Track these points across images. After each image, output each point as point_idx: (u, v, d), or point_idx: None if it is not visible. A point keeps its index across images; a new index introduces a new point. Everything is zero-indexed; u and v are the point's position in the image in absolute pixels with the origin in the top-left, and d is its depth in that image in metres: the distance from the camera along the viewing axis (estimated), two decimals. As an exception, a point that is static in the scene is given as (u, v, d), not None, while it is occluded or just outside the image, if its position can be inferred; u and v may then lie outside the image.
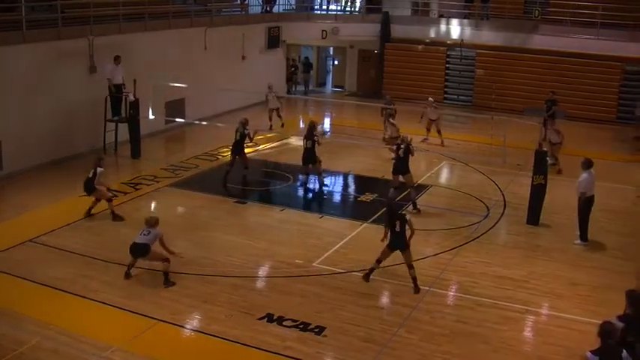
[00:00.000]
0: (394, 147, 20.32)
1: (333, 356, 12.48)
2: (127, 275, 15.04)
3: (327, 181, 22.52)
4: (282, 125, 29.48)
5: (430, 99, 28.06)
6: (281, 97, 30.22)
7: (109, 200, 18.62)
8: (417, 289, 14.91)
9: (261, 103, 30.95)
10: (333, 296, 14.60)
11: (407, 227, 14.93)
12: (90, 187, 18.33)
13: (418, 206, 19.96)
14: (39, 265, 15.42)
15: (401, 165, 19.97)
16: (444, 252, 17.15)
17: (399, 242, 14.88)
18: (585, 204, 17.84)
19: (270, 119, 29.11)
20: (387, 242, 15.04)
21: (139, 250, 14.75)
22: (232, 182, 21.86)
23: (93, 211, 18.61)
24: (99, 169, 18.30)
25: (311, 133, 21.39)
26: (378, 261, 15.10)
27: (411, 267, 14.95)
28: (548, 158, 20.32)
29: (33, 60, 21.99)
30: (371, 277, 15.30)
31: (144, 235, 14.75)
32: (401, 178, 20.14)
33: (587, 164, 17.97)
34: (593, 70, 33.75)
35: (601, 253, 17.55)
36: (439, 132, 27.44)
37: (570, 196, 19.13)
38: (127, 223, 18.25)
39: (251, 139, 22.55)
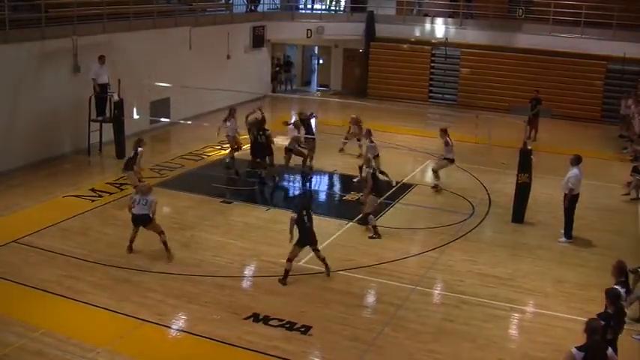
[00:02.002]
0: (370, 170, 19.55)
1: (319, 355, 12.50)
2: (130, 249, 16.22)
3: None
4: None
5: (353, 116, 25.68)
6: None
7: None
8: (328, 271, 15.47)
9: (246, 102, 31.01)
10: (319, 295, 14.63)
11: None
12: (129, 166, 19.62)
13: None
14: (24, 267, 15.36)
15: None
16: (430, 250, 17.19)
17: (309, 237, 15.21)
18: (572, 201, 17.91)
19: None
20: (294, 240, 15.19)
21: (141, 220, 15.93)
22: (218, 182, 21.86)
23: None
24: (139, 149, 19.37)
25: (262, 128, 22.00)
26: (289, 260, 15.17)
27: (318, 250, 15.44)
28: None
29: (16, 60, 21.86)
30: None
31: (142, 205, 15.80)
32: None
33: (577, 160, 18.03)
34: (577, 68, 33.95)
35: (586, 250, 17.65)
36: None
37: (555, 195, 19.21)
38: (114, 224, 18.20)
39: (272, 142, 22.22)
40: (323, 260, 15.44)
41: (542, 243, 17.98)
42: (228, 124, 23.32)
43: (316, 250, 15.43)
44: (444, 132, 22.05)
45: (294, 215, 15.14)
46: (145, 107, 26.77)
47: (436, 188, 21.87)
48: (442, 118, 33.91)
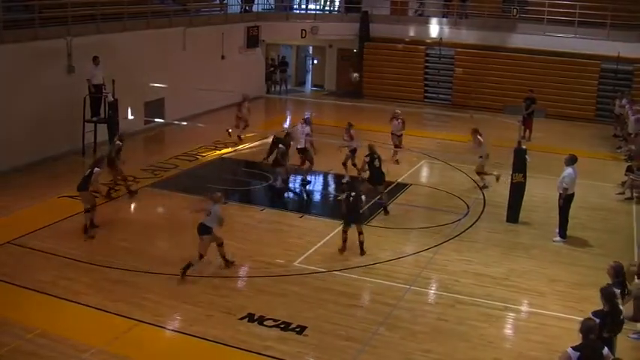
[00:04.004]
0: (367, 158, 19.78)
1: (314, 355, 12.48)
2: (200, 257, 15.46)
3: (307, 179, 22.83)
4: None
5: (397, 111, 25.65)
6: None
7: (87, 211, 17.48)
8: (362, 253, 16.70)
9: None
10: (314, 295, 14.63)
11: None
12: (83, 186, 17.39)
13: (388, 209, 19.92)
14: (19, 268, 15.32)
15: (378, 175, 19.77)
16: (425, 250, 17.20)
17: (352, 216, 16.63)
18: (566, 201, 17.94)
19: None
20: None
21: (203, 231, 15.26)
22: (213, 182, 21.84)
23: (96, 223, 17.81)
24: (96, 170, 17.47)
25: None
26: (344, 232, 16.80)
27: (360, 233, 16.65)
28: None
29: (10, 61, 21.81)
30: (352, 275, 15.48)
31: (205, 215, 15.27)
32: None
33: (572, 160, 18.05)
34: (571, 68, 34.01)
35: (580, 250, 17.67)
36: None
37: (549, 194, 19.22)
38: (108, 225, 18.16)
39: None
40: (361, 242, 16.72)
41: (537, 242, 18.01)
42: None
43: (359, 233, 16.62)
44: (475, 132, 22.25)
45: (342, 197, 17.07)
46: (139, 107, 26.73)
47: (486, 187, 22.22)
48: (437, 118, 34.01)
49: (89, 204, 17.56)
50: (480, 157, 22.09)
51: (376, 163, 19.62)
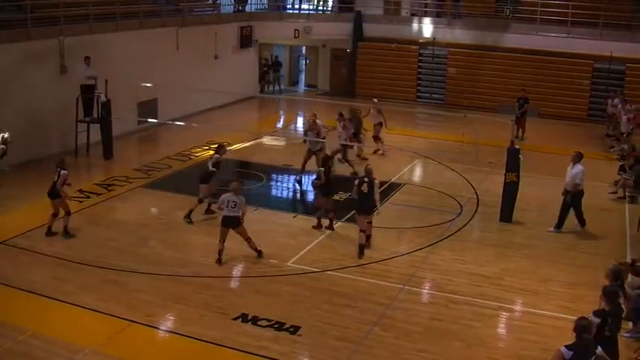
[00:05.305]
0: (356, 181, 17.12)
1: (308, 355, 12.48)
2: (220, 255, 16.07)
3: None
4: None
5: (375, 99, 26.57)
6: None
7: (68, 214, 17.19)
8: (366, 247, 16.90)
9: (234, 102, 30.95)
10: (307, 295, 14.62)
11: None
12: (54, 192, 16.98)
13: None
14: (12, 268, 15.27)
15: (367, 203, 16.97)
16: (418, 250, 17.20)
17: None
18: (578, 196, 18.33)
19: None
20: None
21: (231, 223, 15.85)
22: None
23: (53, 229, 17.23)
24: (63, 172, 16.95)
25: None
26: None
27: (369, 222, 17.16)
28: None
29: (2, 61, 21.75)
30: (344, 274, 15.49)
31: (232, 207, 15.72)
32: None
33: (579, 157, 18.47)
34: (564, 67, 34.05)
35: (574, 249, 17.68)
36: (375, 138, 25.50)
37: (543, 194, 19.21)
38: (102, 225, 18.12)
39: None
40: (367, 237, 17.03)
41: (531, 242, 18.02)
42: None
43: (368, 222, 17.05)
44: (340, 116, 23.26)
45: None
46: (132, 108, 26.67)
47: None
48: (430, 118, 34.05)
49: (65, 208, 17.17)
50: (343, 144, 22.64)
51: (364, 187, 16.74)
